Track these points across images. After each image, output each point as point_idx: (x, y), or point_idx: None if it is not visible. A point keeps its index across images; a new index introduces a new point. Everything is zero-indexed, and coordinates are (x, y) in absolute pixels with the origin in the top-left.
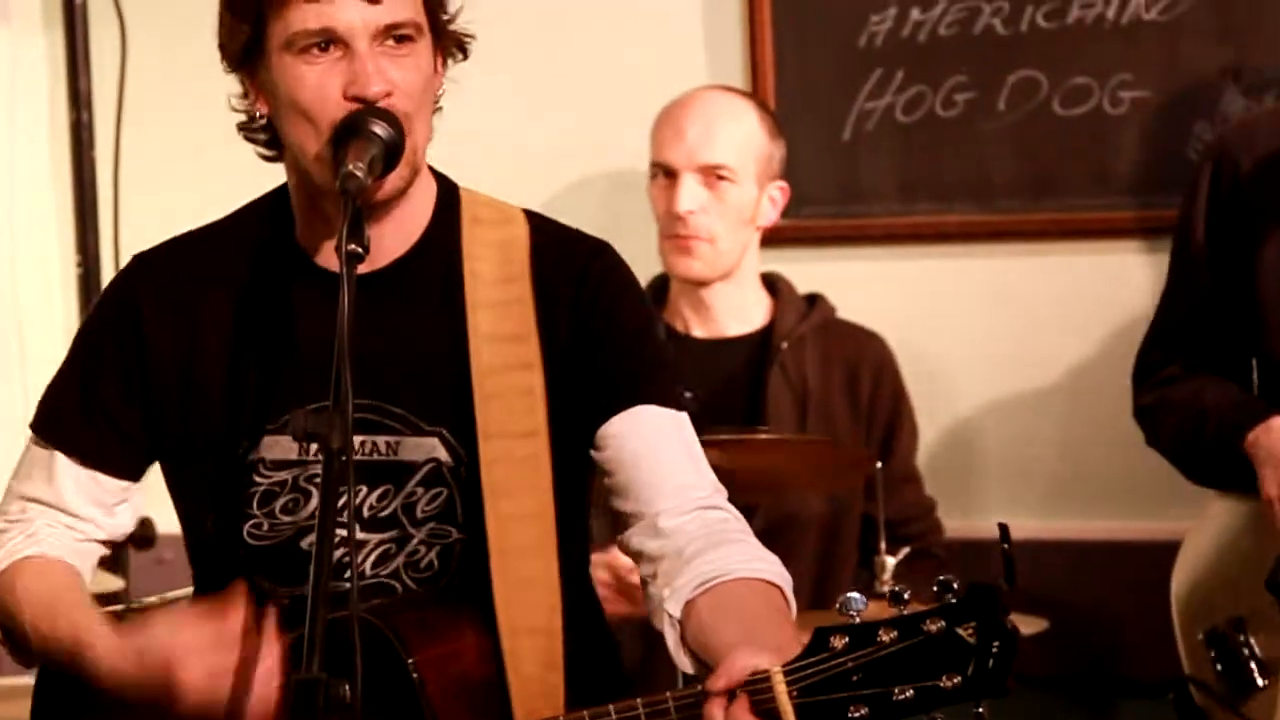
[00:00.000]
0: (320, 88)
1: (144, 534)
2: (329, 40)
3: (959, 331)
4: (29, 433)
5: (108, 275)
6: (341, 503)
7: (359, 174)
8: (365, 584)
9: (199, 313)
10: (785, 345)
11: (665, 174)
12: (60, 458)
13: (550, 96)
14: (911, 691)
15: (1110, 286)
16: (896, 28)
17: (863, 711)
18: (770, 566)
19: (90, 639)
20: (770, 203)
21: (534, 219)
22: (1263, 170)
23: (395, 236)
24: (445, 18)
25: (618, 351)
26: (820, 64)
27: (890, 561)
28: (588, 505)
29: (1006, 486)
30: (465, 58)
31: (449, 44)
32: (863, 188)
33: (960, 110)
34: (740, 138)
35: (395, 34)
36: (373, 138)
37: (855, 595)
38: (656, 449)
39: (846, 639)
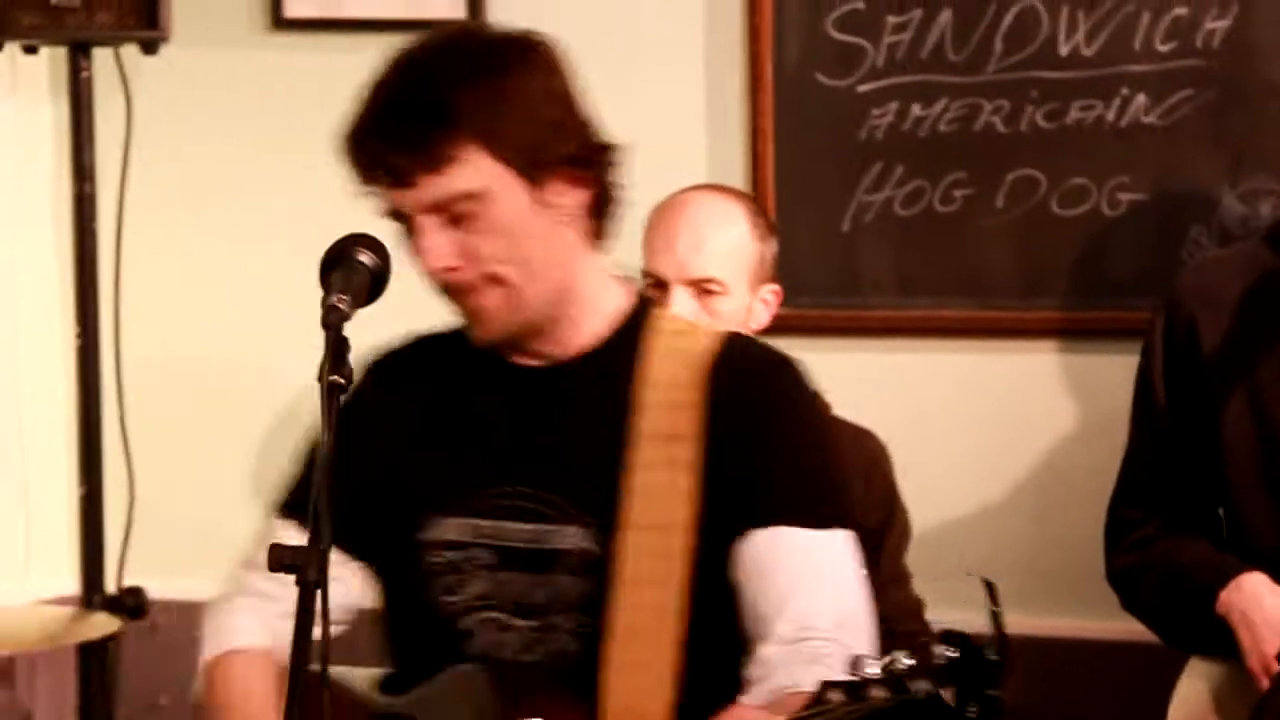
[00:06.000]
0: (417, 257)
1: (135, 603)
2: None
3: (950, 426)
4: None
5: (106, 348)
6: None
7: (341, 306)
8: (521, 669)
9: (404, 409)
10: None
11: (656, 284)
12: (277, 525)
13: None
14: None
15: (1101, 387)
16: (897, 122)
17: None
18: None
19: None
20: (763, 305)
21: (731, 335)
22: (1216, 322)
23: (570, 338)
24: (553, 148)
25: (765, 467)
26: (821, 155)
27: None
28: (736, 612)
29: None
30: (595, 170)
31: (557, 171)
32: (860, 279)
33: (958, 206)
34: (729, 247)
35: (450, 208)
36: (358, 267)
37: (869, 656)
38: (779, 573)
39: (843, 694)
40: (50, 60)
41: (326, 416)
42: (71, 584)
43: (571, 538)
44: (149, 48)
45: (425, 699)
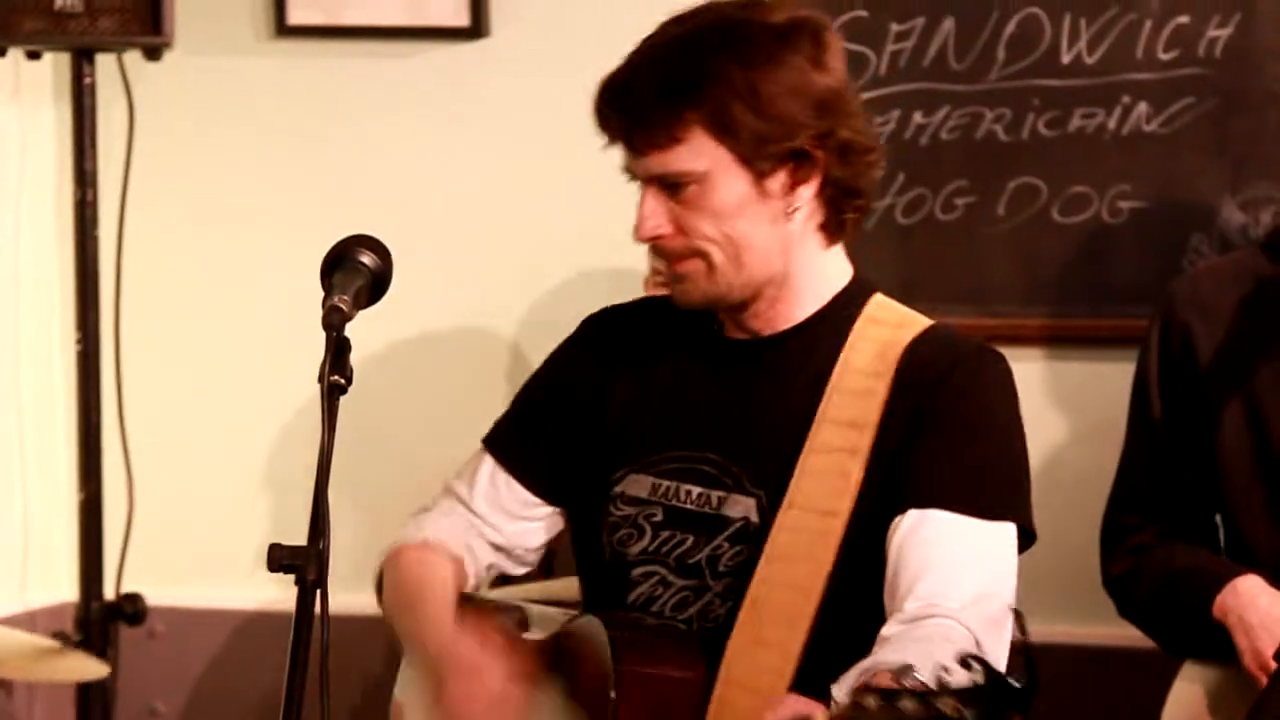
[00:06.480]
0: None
1: (134, 609)
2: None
3: None
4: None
5: (107, 354)
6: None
7: (343, 307)
8: (661, 625)
9: (614, 364)
10: None
11: (665, 282)
12: (485, 458)
13: (548, 190)
14: None
15: (1101, 395)
16: (899, 130)
17: None
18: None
19: (426, 608)
20: None
21: (935, 326)
22: (1212, 330)
23: (778, 317)
24: (782, 142)
25: (929, 450)
26: None
27: None
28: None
29: None
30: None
31: (783, 163)
32: None
33: (960, 214)
34: None
35: (672, 182)
36: (359, 268)
37: (915, 664)
38: (919, 552)
39: (880, 702)
40: (53, 65)
41: (327, 418)
42: (70, 590)
43: (741, 507)
44: (152, 54)
45: (555, 643)
